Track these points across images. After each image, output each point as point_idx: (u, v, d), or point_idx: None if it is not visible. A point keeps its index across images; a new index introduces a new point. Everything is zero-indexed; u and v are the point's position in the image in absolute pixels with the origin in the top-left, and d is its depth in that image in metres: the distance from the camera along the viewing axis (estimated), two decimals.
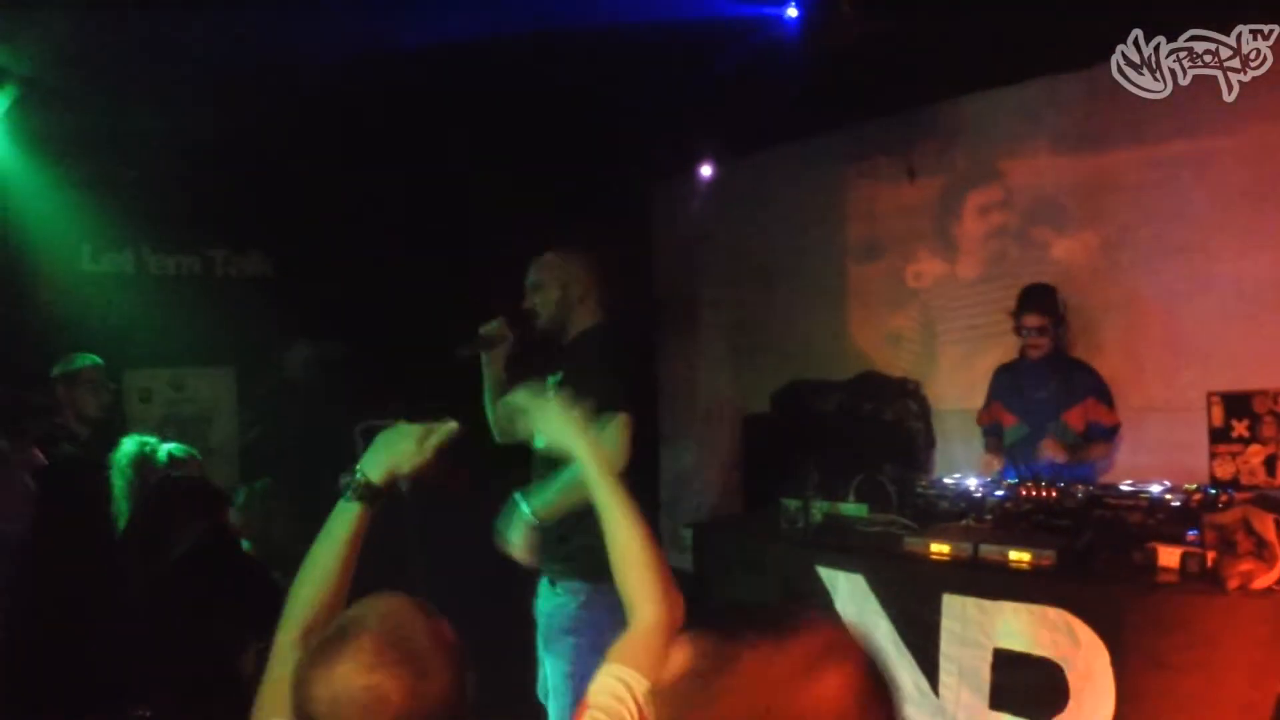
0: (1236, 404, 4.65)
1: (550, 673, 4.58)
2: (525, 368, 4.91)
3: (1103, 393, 6.04)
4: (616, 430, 4.46)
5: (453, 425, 2.62)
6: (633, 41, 5.85)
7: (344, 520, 2.46)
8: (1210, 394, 4.70)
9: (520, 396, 2.59)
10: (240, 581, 4.11)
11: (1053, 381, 6.02)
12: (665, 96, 6.95)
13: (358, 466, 2.51)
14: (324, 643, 1.86)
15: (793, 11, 5.96)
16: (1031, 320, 6.02)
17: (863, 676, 1.54)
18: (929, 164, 7.70)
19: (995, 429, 6.27)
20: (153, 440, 5.22)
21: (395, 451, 2.55)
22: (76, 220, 6.86)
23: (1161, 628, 3.82)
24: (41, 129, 6.41)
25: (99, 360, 5.99)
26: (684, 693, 1.59)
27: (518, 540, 4.19)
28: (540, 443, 2.51)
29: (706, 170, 8.96)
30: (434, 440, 2.57)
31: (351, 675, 1.76)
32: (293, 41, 5.47)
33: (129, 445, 5.12)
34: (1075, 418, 5.97)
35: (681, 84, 6.70)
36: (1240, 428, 4.62)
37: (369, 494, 2.47)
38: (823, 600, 4.74)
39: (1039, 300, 6.09)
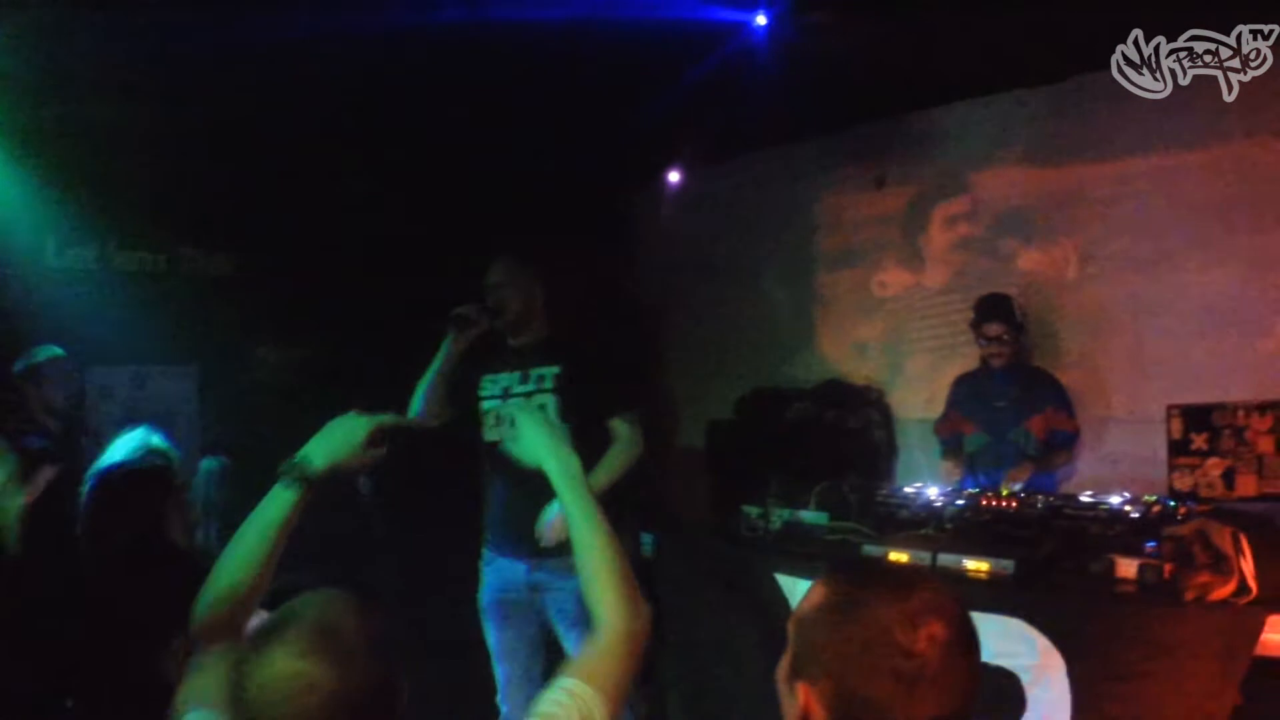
0: (1196, 417, 4.68)
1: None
2: (476, 362, 5.23)
3: (1063, 400, 6.11)
4: (635, 427, 5.04)
5: (403, 419, 2.63)
6: (606, 47, 5.84)
7: (278, 506, 2.46)
8: (1170, 407, 4.72)
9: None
10: (170, 576, 4.06)
11: (1014, 390, 6.08)
12: (639, 103, 6.95)
13: (301, 452, 2.50)
14: (260, 632, 1.90)
15: (761, 19, 5.95)
16: (992, 329, 6.09)
17: (953, 632, 1.88)
18: (898, 174, 7.73)
19: (955, 439, 6.29)
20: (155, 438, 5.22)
21: (341, 442, 2.55)
22: (41, 214, 6.80)
23: (1118, 639, 3.82)
24: (6, 121, 6.36)
25: (61, 352, 5.95)
26: (816, 620, 1.97)
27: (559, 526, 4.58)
28: (517, 452, 2.55)
29: (676, 177, 8.96)
30: (379, 447, 2.59)
31: (282, 662, 1.80)
32: (265, 36, 5.45)
33: (137, 435, 5.11)
34: (1037, 425, 6.01)
35: (654, 90, 6.70)
36: (1199, 441, 4.65)
37: (308, 481, 2.47)
38: (781, 606, 4.74)
39: (998, 309, 6.15)
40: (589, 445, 4.85)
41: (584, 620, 4.74)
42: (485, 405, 5.18)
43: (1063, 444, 6.12)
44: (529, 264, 5.24)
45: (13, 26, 5.42)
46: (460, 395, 5.21)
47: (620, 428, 5.02)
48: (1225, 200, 6.18)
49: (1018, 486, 5.46)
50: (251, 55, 5.73)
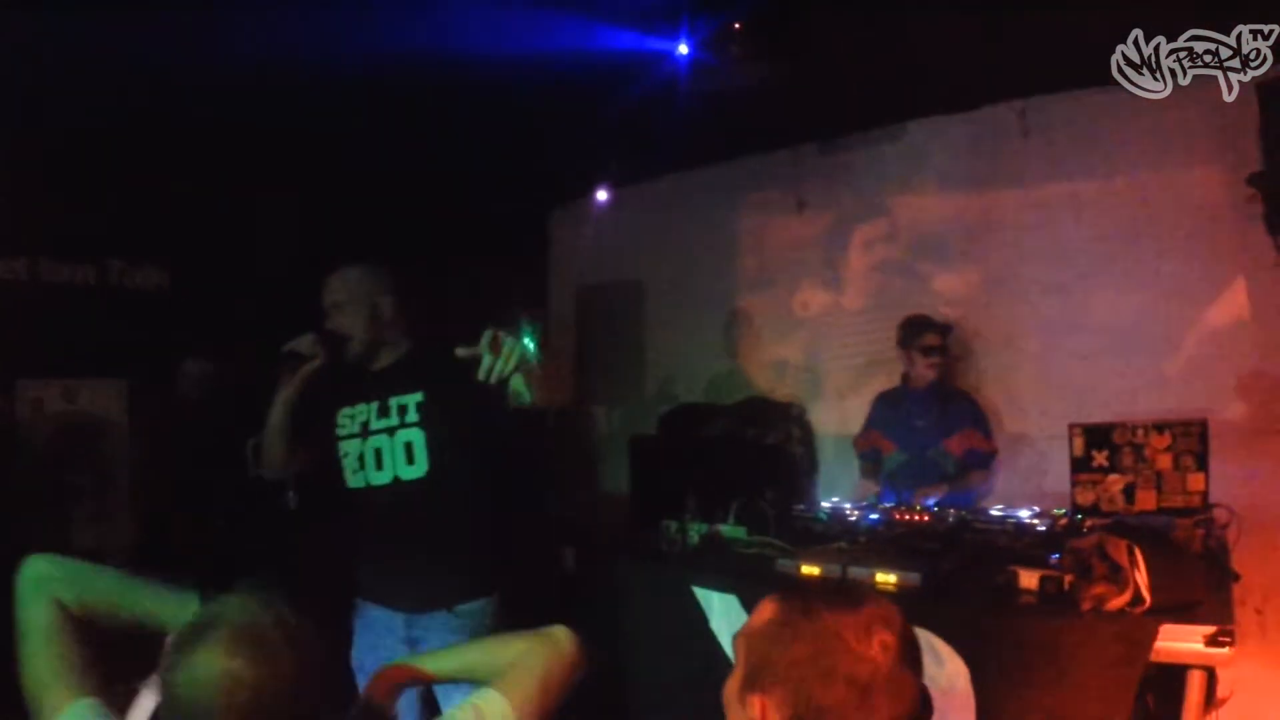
0: (1097, 435, 4.80)
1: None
2: (332, 394, 4.50)
3: (980, 421, 6.27)
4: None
5: None
6: (530, 71, 5.93)
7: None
8: (1071, 426, 4.86)
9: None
10: None
11: (933, 409, 6.24)
12: (563, 124, 7.05)
13: None
14: (185, 636, 2.05)
15: (684, 49, 6.04)
16: (931, 339, 6.25)
17: (900, 643, 2.03)
18: (818, 198, 7.89)
19: (873, 455, 6.44)
20: None
21: None
22: None
23: (1020, 648, 3.93)
24: None
25: None
26: (769, 634, 2.09)
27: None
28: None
29: (602, 196, 9.06)
30: None
31: (210, 661, 1.98)
32: (196, 52, 5.49)
33: None
34: (955, 445, 6.19)
35: (578, 112, 6.79)
36: (1100, 458, 4.76)
37: None
38: (698, 619, 4.83)
39: (931, 322, 6.31)
40: (462, 478, 4.36)
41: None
42: (344, 445, 4.44)
43: (979, 463, 6.28)
44: (371, 276, 4.48)
45: None
46: (317, 435, 4.46)
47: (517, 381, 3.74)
48: (1132, 228, 6.37)
49: (930, 502, 5.60)
50: (181, 70, 5.76)
